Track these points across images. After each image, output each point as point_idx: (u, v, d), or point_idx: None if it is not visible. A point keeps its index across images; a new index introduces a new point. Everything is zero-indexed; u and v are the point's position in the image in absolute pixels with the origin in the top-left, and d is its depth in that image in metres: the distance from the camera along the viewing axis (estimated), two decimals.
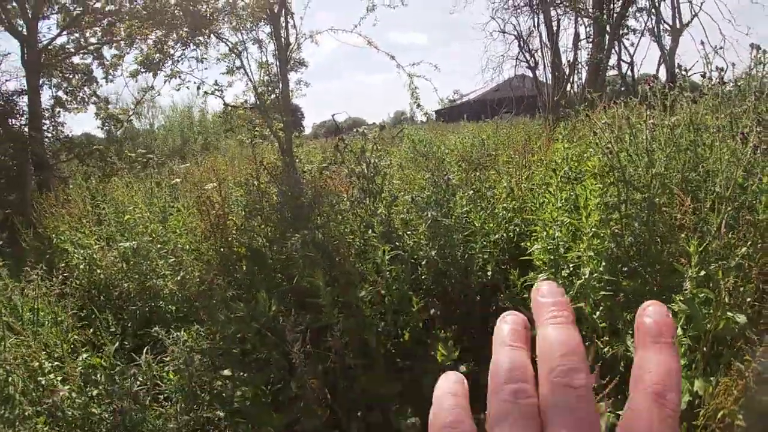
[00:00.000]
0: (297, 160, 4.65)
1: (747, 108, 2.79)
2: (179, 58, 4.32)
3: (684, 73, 3.22)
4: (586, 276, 2.23)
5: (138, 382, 2.58)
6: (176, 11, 3.98)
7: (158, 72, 4.28)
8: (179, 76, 4.30)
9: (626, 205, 2.50)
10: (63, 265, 4.26)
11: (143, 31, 4.27)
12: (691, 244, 2.11)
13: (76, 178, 6.99)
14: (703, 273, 2.19)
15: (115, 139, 8.14)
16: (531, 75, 10.90)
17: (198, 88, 4.36)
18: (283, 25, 4.32)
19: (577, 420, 0.32)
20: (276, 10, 4.37)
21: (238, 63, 4.42)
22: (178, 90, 4.69)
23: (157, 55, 4.20)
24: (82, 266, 4.26)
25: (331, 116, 6.69)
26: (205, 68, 4.52)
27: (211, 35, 4.21)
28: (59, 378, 2.62)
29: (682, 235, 2.41)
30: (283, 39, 4.35)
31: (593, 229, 2.50)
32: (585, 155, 2.70)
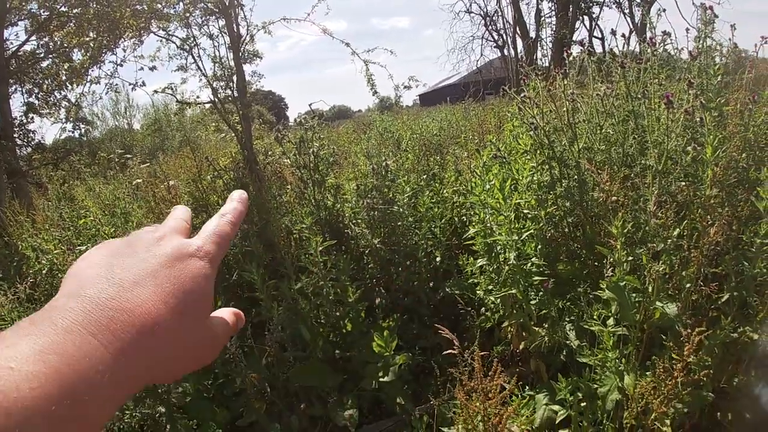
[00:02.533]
0: (270, 153, 4.60)
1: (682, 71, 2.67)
2: (105, 61, 4.30)
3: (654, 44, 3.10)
4: (512, 262, 2.16)
5: None
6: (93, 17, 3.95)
7: (83, 77, 4.26)
8: (98, 81, 4.29)
9: (560, 183, 2.43)
10: (31, 271, 4.27)
11: (75, 39, 4.25)
12: (614, 225, 2.00)
13: (53, 183, 6.99)
14: (631, 258, 2.08)
15: (89, 141, 8.10)
16: (499, 54, 10.78)
17: (133, 87, 4.33)
18: (234, 17, 4.26)
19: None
20: (227, 3, 4.30)
21: (189, 59, 4.37)
22: (107, 93, 4.69)
23: (84, 60, 4.18)
24: (44, 271, 4.24)
25: (309, 106, 6.58)
26: (153, 67, 4.46)
27: (150, 33, 4.17)
28: None
29: (620, 214, 2.29)
30: (235, 31, 4.29)
31: (526, 212, 2.43)
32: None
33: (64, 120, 6.70)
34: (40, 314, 0.38)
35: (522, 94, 2.26)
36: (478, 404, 1.70)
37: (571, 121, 2.23)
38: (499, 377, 1.70)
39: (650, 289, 1.99)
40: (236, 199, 0.56)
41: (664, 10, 3.27)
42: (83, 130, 7.47)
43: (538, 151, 2.36)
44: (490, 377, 1.71)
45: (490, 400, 1.73)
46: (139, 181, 4.42)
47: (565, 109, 2.22)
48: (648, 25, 3.19)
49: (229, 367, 2.68)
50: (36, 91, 7.70)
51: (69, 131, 7.23)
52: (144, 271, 0.43)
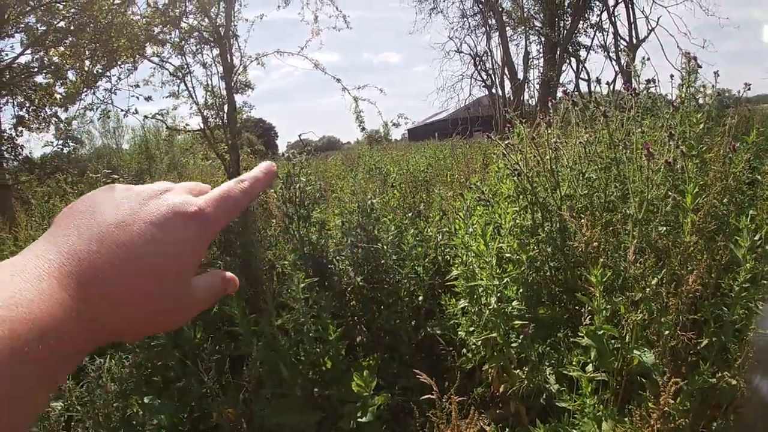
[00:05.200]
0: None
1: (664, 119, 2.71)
2: (100, 87, 4.33)
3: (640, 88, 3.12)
4: (492, 306, 2.17)
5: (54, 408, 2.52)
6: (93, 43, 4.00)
7: (77, 102, 4.29)
8: (92, 108, 4.33)
9: (542, 228, 2.45)
10: None
11: (71, 61, 4.29)
12: (593, 273, 2.01)
13: (38, 199, 6.93)
14: (609, 306, 2.08)
15: (77, 158, 8.07)
16: (487, 93, 11.00)
17: (125, 114, 4.36)
18: (228, 47, 4.30)
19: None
20: (222, 33, 4.35)
21: (182, 86, 4.40)
22: (99, 119, 4.74)
23: (78, 83, 4.21)
24: None
25: (298, 136, 6.61)
26: (148, 97, 4.50)
27: (144, 60, 4.21)
28: None
29: (600, 262, 2.30)
30: (228, 61, 4.33)
31: (508, 255, 2.45)
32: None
33: (54, 137, 6.68)
34: (22, 258, 0.39)
35: (506, 141, 2.30)
36: None
37: (553, 169, 2.27)
38: (476, 423, 1.70)
39: (627, 338, 2.01)
40: (261, 167, 0.54)
41: (648, 59, 3.35)
42: (72, 148, 7.45)
43: (521, 196, 2.39)
44: (468, 422, 1.70)
45: None
46: None
47: (548, 157, 2.26)
48: (633, 72, 3.25)
49: (206, 402, 2.64)
50: (27, 104, 7.68)
51: (58, 147, 7.20)
52: (126, 229, 0.42)
